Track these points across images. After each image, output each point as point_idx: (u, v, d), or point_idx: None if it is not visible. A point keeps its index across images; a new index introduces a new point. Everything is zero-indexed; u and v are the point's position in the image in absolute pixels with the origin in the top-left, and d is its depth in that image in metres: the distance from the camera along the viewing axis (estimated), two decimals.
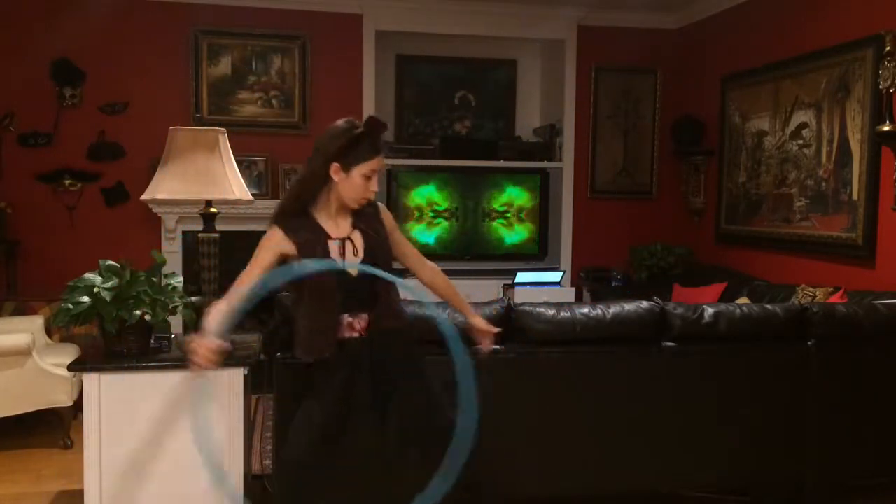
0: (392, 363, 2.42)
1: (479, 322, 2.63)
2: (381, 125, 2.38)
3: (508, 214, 6.23)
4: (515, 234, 6.28)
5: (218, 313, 2.26)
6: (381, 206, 2.54)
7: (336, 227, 2.41)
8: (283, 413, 2.83)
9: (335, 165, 2.34)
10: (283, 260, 2.38)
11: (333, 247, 2.38)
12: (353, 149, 2.33)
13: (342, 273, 2.35)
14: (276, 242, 2.37)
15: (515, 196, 6.23)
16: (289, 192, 2.50)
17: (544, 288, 5.35)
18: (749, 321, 3.13)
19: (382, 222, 2.50)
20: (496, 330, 2.64)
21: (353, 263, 2.36)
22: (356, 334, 2.40)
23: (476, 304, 3.04)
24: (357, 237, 2.41)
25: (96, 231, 5.50)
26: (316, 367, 2.41)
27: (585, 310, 3.06)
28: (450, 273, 6.26)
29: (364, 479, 2.74)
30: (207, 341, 2.20)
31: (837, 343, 3.19)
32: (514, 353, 2.98)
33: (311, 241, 2.37)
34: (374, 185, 2.38)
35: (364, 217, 2.45)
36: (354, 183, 2.35)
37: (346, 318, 2.38)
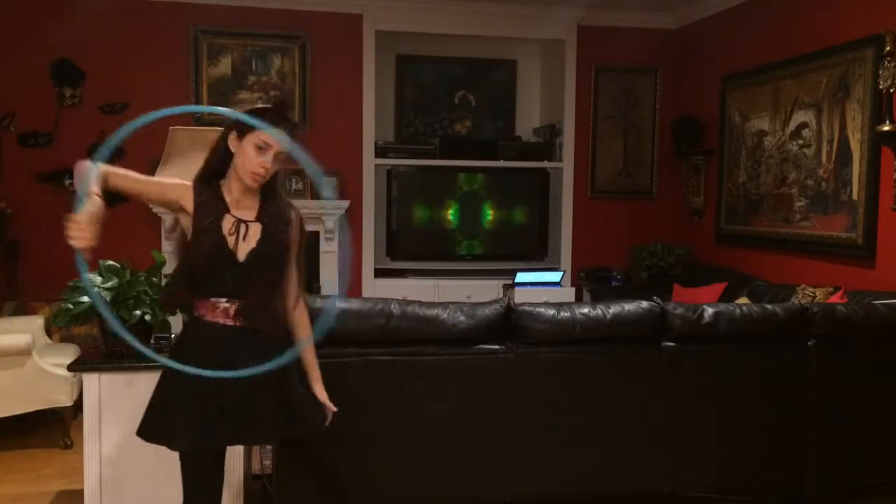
0: (251, 364, 2.20)
1: (320, 392, 2.40)
2: (284, 103, 2.34)
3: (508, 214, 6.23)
4: (515, 234, 6.28)
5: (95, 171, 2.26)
6: (299, 214, 2.40)
7: (237, 207, 2.28)
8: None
9: (233, 134, 2.24)
10: (177, 209, 2.28)
11: (227, 222, 2.24)
12: (251, 119, 2.20)
13: (229, 253, 2.23)
14: (183, 188, 2.27)
15: (515, 196, 6.24)
16: (204, 163, 2.36)
17: (544, 288, 5.35)
18: (749, 321, 3.13)
19: (289, 225, 2.34)
20: (332, 408, 2.42)
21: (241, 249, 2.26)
22: (228, 321, 2.25)
23: (476, 304, 3.04)
24: (255, 228, 2.27)
25: None
26: (182, 336, 2.32)
27: (585, 310, 3.06)
28: (450, 273, 6.27)
29: None
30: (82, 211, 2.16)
31: (837, 343, 3.18)
32: (514, 353, 2.98)
33: (209, 207, 2.25)
34: (267, 162, 2.22)
35: (274, 214, 2.31)
36: (246, 152, 2.22)
37: (222, 302, 2.25)
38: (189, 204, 2.26)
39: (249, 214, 2.29)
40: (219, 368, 2.14)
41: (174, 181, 2.33)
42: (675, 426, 3.11)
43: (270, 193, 2.33)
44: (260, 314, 2.27)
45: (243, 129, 2.22)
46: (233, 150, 2.25)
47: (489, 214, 6.18)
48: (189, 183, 2.29)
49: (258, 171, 2.23)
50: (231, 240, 2.23)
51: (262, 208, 2.31)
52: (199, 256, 2.24)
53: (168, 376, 2.24)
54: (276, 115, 2.26)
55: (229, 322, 2.24)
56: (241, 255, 2.24)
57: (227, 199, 2.28)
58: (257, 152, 2.22)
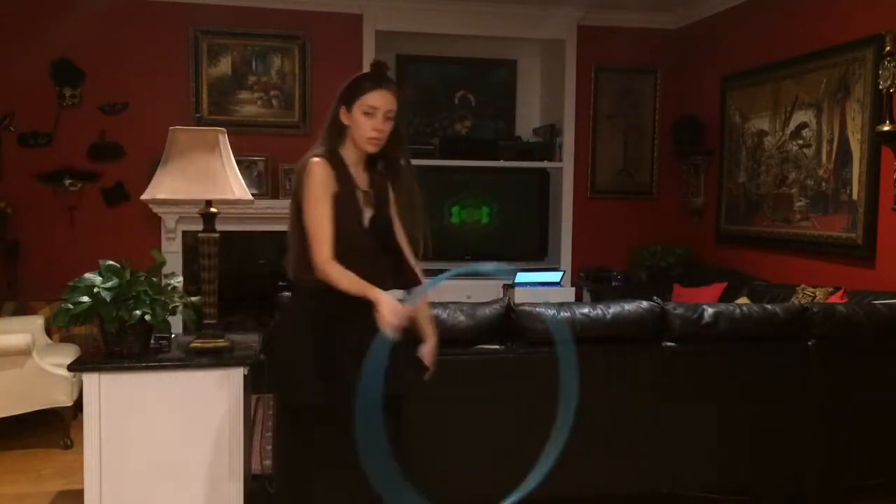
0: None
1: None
2: (382, 63, 2.37)
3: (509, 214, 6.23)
4: (515, 234, 6.27)
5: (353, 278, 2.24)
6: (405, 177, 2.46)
7: (358, 177, 2.37)
8: (284, 413, 2.82)
9: (342, 108, 2.32)
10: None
11: (360, 196, 2.34)
12: (355, 88, 2.32)
13: (360, 224, 2.32)
14: (327, 177, 2.28)
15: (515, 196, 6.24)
16: (321, 141, 2.39)
17: (544, 288, 5.35)
18: (749, 321, 3.13)
19: (388, 195, 2.42)
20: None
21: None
22: None
23: (476, 304, 3.04)
24: (372, 194, 2.38)
25: (96, 231, 5.50)
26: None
27: (585, 310, 3.06)
28: None
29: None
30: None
31: (837, 343, 3.19)
32: (514, 353, 2.98)
33: (346, 191, 2.31)
34: (379, 124, 2.30)
35: (379, 178, 2.42)
36: (357, 122, 2.30)
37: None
38: (334, 190, 2.30)
39: (364, 181, 2.38)
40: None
41: (323, 187, 2.28)
42: (675, 426, 3.11)
43: (372, 163, 2.42)
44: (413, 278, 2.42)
45: (350, 100, 2.30)
46: (347, 123, 2.33)
47: (489, 214, 6.18)
48: (323, 164, 2.28)
49: (373, 136, 2.30)
50: (366, 212, 2.33)
51: (373, 172, 2.41)
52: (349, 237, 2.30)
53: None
54: (376, 77, 2.34)
55: None
56: (367, 223, 2.34)
57: (353, 172, 2.36)
58: (367, 118, 2.29)
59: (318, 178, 2.27)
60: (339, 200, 2.28)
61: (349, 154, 2.37)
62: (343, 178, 2.32)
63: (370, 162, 2.42)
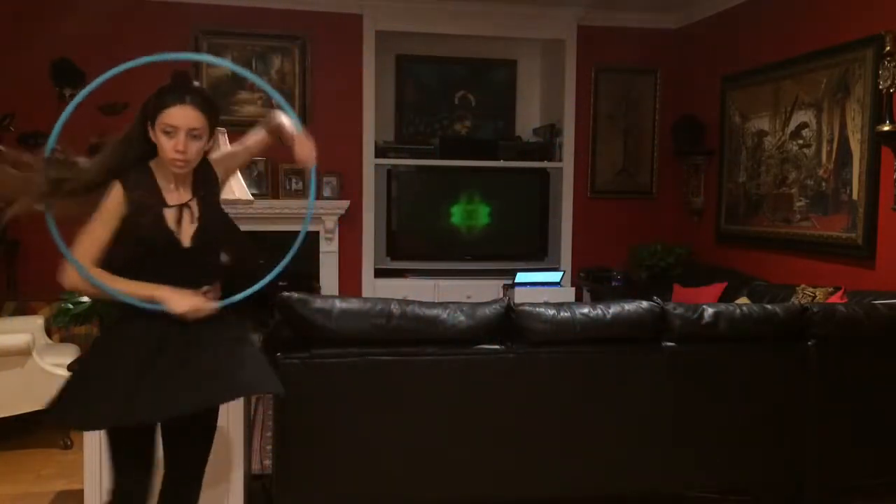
0: (209, 343, 2.18)
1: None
2: (182, 73, 2.14)
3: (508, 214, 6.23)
4: (515, 234, 6.27)
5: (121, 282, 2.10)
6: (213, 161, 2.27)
7: (176, 192, 2.15)
8: (284, 413, 2.83)
9: (148, 124, 2.11)
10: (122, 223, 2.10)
11: (169, 214, 2.12)
12: (155, 103, 2.09)
13: (173, 244, 2.12)
14: (117, 204, 2.09)
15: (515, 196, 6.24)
16: (109, 151, 2.17)
17: (544, 288, 5.35)
18: (749, 321, 3.13)
19: (215, 181, 2.24)
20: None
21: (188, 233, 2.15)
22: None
23: (476, 304, 3.05)
24: (195, 204, 2.16)
25: None
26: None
27: (585, 310, 3.06)
28: (450, 273, 6.24)
29: None
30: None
31: (837, 343, 3.18)
32: (514, 353, 2.98)
33: (145, 205, 2.10)
34: (180, 144, 2.06)
35: (205, 181, 2.21)
36: (159, 141, 2.07)
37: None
38: (126, 209, 2.11)
39: (186, 193, 2.18)
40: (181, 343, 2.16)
41: (106, 213, 2.12)
42: (676, 426, 3.11)
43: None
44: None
45: (152, 117, 2.09)
46: (154, 140, 2.11)
47: (489, 214, 6.19)
48: (117, 188, 2.12)
49: (174, 157, 2.07)
50: (177, 231, 2.14)
51: (196, 179, 2.20)
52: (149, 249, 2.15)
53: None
54: (177, 90, 2.11)
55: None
56: (186, 241, 2.15)
57: (164, 188, 2.16)
58: (167, 138, 2.07)
59: (106, 205, 2.10)
60: (138, 224, 2.10)
61: (162, 169, 2.14)
62: (141, 202, 2.10)
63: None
